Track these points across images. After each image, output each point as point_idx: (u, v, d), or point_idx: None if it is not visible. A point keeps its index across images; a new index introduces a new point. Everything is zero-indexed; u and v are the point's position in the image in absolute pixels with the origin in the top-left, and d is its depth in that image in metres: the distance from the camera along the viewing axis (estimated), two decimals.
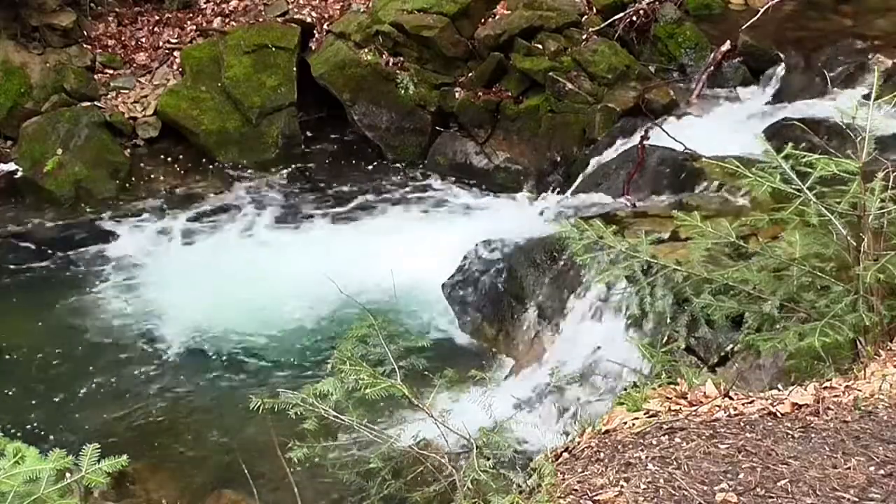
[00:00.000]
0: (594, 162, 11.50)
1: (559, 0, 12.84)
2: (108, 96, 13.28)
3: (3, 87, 12.95)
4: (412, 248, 10.63)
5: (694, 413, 4.38)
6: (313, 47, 13.49)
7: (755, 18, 12.04)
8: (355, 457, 5.72)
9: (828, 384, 4.62)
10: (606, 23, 12.59)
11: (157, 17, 13.99)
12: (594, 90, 12.07)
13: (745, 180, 5.56)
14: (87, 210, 12.29)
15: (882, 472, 3.89)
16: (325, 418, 5.02)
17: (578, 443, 4.34)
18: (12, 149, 12.92)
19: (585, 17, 12.81)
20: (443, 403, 5.37)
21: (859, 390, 4.50)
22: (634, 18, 12.59)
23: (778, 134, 9.83)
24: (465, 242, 10.50)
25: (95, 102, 13.11)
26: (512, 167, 12.39)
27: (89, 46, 13.56)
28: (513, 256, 10.05)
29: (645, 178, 10.70)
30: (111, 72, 13.50)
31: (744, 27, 12.10)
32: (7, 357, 10.12)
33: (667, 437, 4.17)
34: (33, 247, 11.75)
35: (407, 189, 12.45)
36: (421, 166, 12.81)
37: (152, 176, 12.83)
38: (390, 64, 12.94)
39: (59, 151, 12.57)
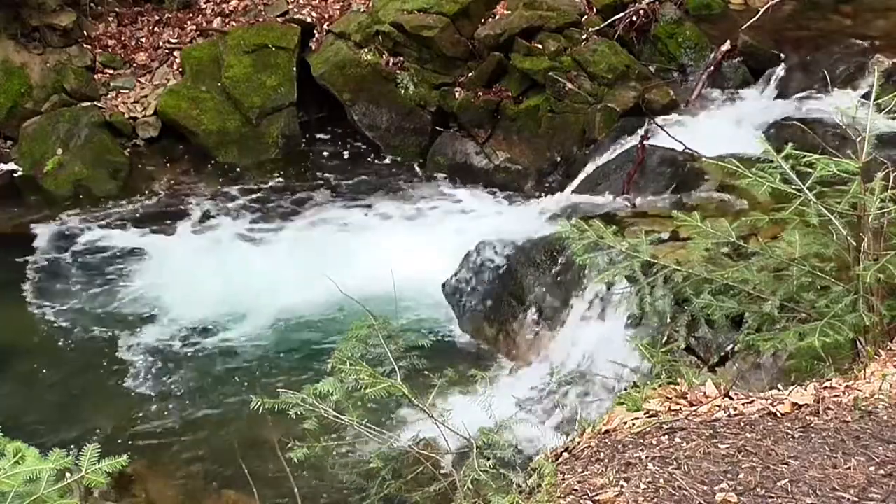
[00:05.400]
0: (594, 162, 11.49)
1: (559, 0, 12.84)
2: (108, 96, 13.29)
3: (4, 87, 12.96)
4: (412, 248, 10.63)
5: (694, 413, 4.38)
6: (313, 47, 13.50)
7: (755, 18, 12.04)
8: (355, 457, 5.73)
9: (828, 384, 4.62)
10: (606, 23, 12.59)
11: (157, 17, 13.99)
12: (594, 90, 12.06)
13: (745, 180, 5.56)
14: (87, 210, 12.29)
15: (882, 472, 3.89)
16: (325, 418, 5.02)
17: (578, 443, 4.34)
18: (12, 149, 12.94)
19: (585, 17, 12.80)
20: (443, 403, 5.36)
21: (859, 390, 4.50)
22: (634, 18, 12.59)
23: (778, 134, 9.84)
24: (465, 242, 10.49)
25: (95, 102, 13.12)
26: (512, 167, 12.39)
27: (89, 46, 13.57)
28: (513, 256, 10.04)
29: (645, 178, 10.70)
30: (111, 72, 13.51)
31: (744, 27, 12.10)
32: (6, 357, 10.11)
33: (667, 437, 4.17)
34: (33, 246, 11.74)
35: (407, 189, 12.44)
36: (421, 166, 12.81)
37: (152, 176, 12.84)
38: (390, 64, 12.94)
39: (59, 151, 12.58)
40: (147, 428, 9.18)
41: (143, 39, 13.81)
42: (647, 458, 4.01)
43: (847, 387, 4.56)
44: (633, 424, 4.33)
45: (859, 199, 5.32)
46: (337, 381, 5.06)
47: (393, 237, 11.33)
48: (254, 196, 12.47)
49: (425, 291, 10.17)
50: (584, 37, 12.55)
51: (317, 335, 10.12)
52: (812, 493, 3.77)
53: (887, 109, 5.66)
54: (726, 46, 12.16)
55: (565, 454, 4.29)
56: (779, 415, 4.30)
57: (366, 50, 12.97)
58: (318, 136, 13.43)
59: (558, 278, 9.54)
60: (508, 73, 12.64)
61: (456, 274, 10.27)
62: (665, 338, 7.46)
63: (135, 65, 13.59)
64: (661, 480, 3.86)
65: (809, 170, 5.35)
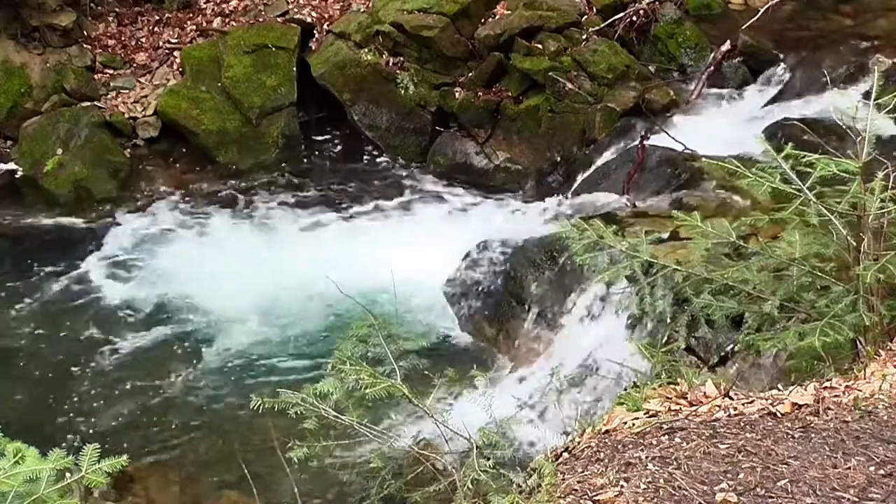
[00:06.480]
0: (594, 162, 11.49)
1: (559, 0, 12.84)
2: (108, 96, 13.28)
3: (4, 87, 12.95)
4: (412, 248, 10.63)
5: (694, 413, 4.38)
6: (313, 47, 13.50)
7: (755, 18, 12.03)
8: (355, 457, 5.73)
9: (828, 384, 4.62)
10: (606, 23, 12.58)
11: (157, 17, 13.99)
12: (594, 90, 12.06)
13: (745, 180, 5.56)
14: (87, 210, 12.29)
15: (882, 472, 3.89)
16: (325, 418, 5.02)
17: (578, 443, 4.34)
18: (12, 149, 12.93)
19: (585, 17, 12.80)
20: (443, 403, 5.37)
21: (859, 390, 4.50)
22: (634, 18, 12.58)
23: (778, 134, 9.84)
24: (465, 243, 10.50)
25: (95, 102, 13.11)
26: (512, 167, 12.38)
27: (89, 46, 13.56)
28: (513, 256, 10.04)
29: (645, 178, 10.70)
30: (111, 72, 13.50)
31: (744, 27, 12.09)
32: (7, 357, 10.11)
33: (667, 437, 4.18)
34: (33, 246, 11.75)
35: (407, 189, 12.44)
36: (421, 166, 12.81)
37: (152, 176, 12.83)
38: (390, 64, 12.94)
39: (59, 151, 12.57)
40: (147, 428, 9.18)
41: (143, 39, 13.81)
42: (647, 458, 4.02)
43: (847, 387, 4.57)
44: (633, 424, 4.33)
45: (859, 199, 5.32)
46: (337, 380, 5.06)
47: (393, 237, 11.33)
48: (254, 196, 12.46)
49: (425, 291, 10.17)
50: (584, 37, 12.55)
51: (316, 335, 10.12)
52: (812, 493, 3.78)
53: (887, 109, 5.66)
54: (726, 46, 12.16)
55: (565, 454, 4.29)
56: (779, 415, 4.30)
57: (366, 50, 12.97)
58: (318, 136, 13.43)
59: (558, 278, 9.54)
60: (508, 73, 12.63)
61: (456, 274, 10.27)
62: (665, 338, 7.46)
63: (135, 65, 13.59)
64: (661, 480, 3.86)
65: (809, 170, 5.35)
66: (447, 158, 12.72)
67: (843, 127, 5.62)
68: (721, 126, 11.20)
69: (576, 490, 3.90)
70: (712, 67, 12.08)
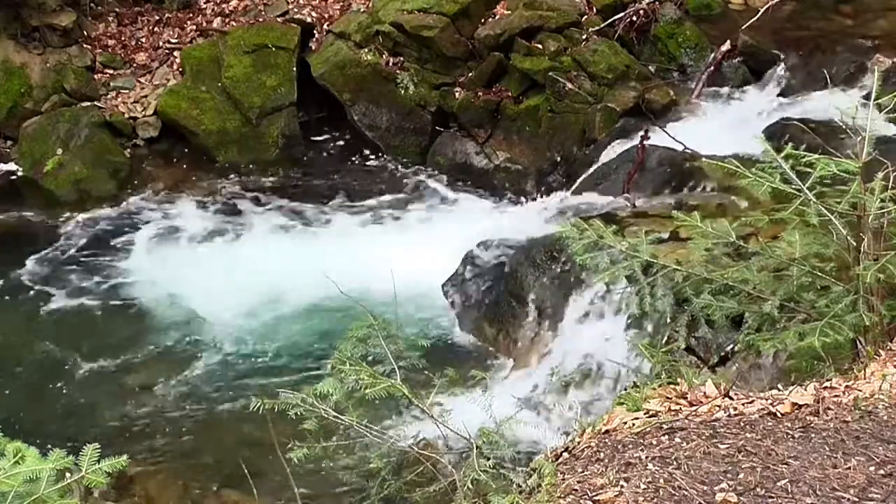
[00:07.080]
0: (594, 162, 11.49)
1: (559, 0, 12.84)
2: (108, 96, 13.28)
3: (4, 87, 12.95)
4: (412, 248, 10.63)
5: (694, 413, 4.38)
6: (313, 47, 13.50)
7: (755, 18, 12.03)
8: (355, 457, 5.73)
9: (828, 384, 4.62)
10: (606, 23, 12.58)
11: (157, 17, 13.99)
12: (594, 90, 12.06)
13: (745, 180, 5.55)
14: (87, 210, 12.29)
15: (882, 472, 3.89)
16: (325, 419, 5.02)
17: (578, 443, 4.34)
18: (12, 149, 12.94)
19: (585, 17, 12.80)
20: (443, 403, 5.37)
21: (859, 390, 4.50)
22: (634, 18, 12.58)
23: (778, 134, 9.84)
24: (464, 242, 10.50)
25: (95, 102, 13.12)
26: (512, 167, 12.38)
27: (89, 46, 13.57)
28: (513, 256, 10.04)
29: (645, 178, 10.69)
30: (111, 72, 13.51)
31: (744, 27, 12.09)
32: (7, 357, 10.11)
33: (667, 437, 4.17)
34: (33, 247, 11.74)
35: (407, 189, 12.44)
36: (421, 166, 12.81)
37: (152, 176, 12.83)
38: (390, 64, 12.94)
39: (59, 151, 12.58)
40: (147, 428, 9.18)
41: (143, 39, 13.81)
42: (647, 458, 4.02)
43: (847, 387, 4.57)
44: (633, 424, 4.33)
45: (859, 199, 5.32)
46: (337, 381, 5.06)
47: (393, 237, 11.33)
48: (254, 196, 12.47)
49: (425, 291, 10.16)
50: (584, 37, 12.54)
51: (316, 336, 10.12)
52: (812, 493, 3.78)
53: (887, 109, 5.66)
54: (726, 46, 12.16)
55: (565, 454, 4.29)
56: (779, 415, 4.30)
57: (366, 50, 12.97)
58: (318, 136, 13.43)
59: (558, 278, 9.54)
60: (508, 73, 12.63)
61: (456, 274, 10.27)
62: (665, 338, 7.46)
63: (135, 65, 13.59)
64: (661, 480, 3.86)
65: (809, 170, 5.35)
66: (447, 158, 12.72)
67: (844, 127, 5.62)
68: (721, 126, 11.19)
69: (576, 490, 3.90)
70: (712, 67, 12.08)
